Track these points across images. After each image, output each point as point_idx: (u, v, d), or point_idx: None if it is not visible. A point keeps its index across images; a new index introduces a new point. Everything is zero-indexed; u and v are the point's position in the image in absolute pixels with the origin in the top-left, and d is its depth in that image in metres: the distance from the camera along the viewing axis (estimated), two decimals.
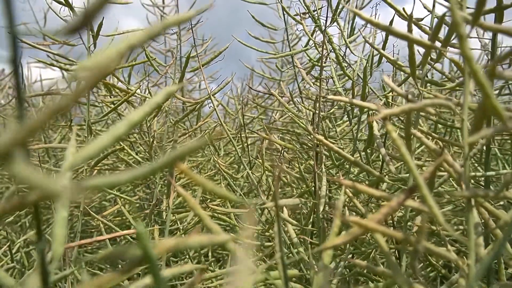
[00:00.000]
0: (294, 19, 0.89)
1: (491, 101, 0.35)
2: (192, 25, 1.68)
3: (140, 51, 1.08)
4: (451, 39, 0.45)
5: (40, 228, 0.21)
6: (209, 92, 0.96)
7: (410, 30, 0.51)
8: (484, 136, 0.37)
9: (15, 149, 0.14)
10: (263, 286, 0.51)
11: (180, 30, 1.76)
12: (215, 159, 0.93)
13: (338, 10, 0.86)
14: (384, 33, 0.78)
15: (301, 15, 0.98)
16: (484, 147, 0.61)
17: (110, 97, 0.92)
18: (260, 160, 0.80)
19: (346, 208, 0.62)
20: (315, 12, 0.93)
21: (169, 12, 1.72)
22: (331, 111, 0.84)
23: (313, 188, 0.73)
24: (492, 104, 0.35)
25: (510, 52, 0.41)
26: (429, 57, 0.59)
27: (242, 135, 1.02)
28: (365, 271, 0.60)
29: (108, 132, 0.18)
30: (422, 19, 0.63)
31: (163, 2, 1.77)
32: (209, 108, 1.28)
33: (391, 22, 0.67)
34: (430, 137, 0.49)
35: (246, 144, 0.96)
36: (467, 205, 0.41)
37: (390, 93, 0.78)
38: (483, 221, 0.41)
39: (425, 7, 0.66)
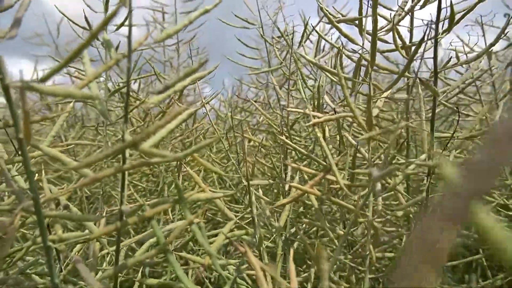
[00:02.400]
0: (268, 42, 1.13)
1: (370, 114, 0.60)
2: (190, 39, 1.92)
3: (143, 63, 1.31)
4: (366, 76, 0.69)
5: None
6: (203, 99, 1.20)
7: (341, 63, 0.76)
8: (370, 136, 0.61)
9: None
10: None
11: (179, 42, 1.99)
12: (210, 154, 1.17)
13: (305, 37, 1.10)
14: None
15: (276, 38, 1.22)
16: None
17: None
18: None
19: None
20: (288, 36, 1.17)
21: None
22: (298, 117, 1.08)
23: (283, 175, 0.96)
24: (369, 116, 0.59)
25: (396, 81, 0.65)
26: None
27: (230, 135, 1.25)
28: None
29: (162, 130, 0.41)
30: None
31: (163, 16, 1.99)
32: (203, 113, 1.51)
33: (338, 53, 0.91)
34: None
35: (234, 143, 1.20)
36: (369, 181, 0.65)
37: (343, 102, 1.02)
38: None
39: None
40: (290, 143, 0.82)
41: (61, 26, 2.10)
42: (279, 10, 1.24)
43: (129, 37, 0.39)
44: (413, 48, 0.63)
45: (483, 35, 1.00)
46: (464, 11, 0.62)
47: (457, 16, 0.67)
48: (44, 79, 0.31)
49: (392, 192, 0.76)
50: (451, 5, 0.58)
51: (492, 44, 0.60)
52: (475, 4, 0.62)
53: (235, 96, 1.91)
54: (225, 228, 0.58)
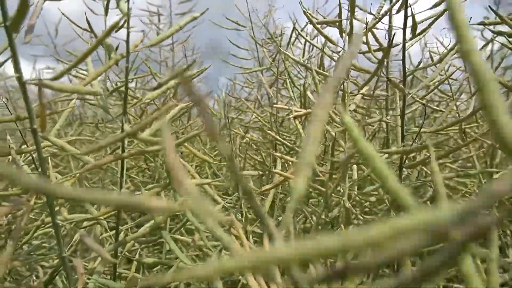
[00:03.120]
0: (259, 44, 1.20)
1: (344, 108, 0.66)
2: (185, 40, 1.98)
3: (140, 63, 1.37)
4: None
5: None
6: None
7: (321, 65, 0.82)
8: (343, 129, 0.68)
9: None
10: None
11: (173, 43, 2.05)
12: (204, 150, 1.23)
13: (293, 39, 1.17)
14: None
15: (266, 40, 1.28)
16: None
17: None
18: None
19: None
20: (277, 38, 1.23)
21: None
22: (287, 114, 1.14)
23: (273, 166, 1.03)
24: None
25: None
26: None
27: (224, 132, 1.32)
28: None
29: (157, 122, 0.48)
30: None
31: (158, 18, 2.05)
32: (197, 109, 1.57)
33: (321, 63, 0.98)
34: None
35: (228, 140, 1.26)
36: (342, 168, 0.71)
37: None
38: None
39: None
40: (278, 137, 0.88)
41: (56, 25, 2.16)
42: (268, 14, 1.31)
43: (127, 41, 0.45)
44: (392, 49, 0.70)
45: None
46: (432, 19, 0.69)
47: (431, 19, 0.73)
48: (57, 78, 0.37)
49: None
50: (413, 15, 0.65)
51: (452, 48, 0.67)
52: (442, 12, 0.69)
53: (229, 95, 1.97)
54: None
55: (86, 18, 1.04)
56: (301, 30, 1.28)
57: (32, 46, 2.23)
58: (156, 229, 0.50)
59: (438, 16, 0.68)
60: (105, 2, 0.99)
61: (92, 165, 0.49)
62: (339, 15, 0.81)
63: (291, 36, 1.17)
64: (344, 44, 0.85)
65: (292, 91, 1.16)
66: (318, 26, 0.82)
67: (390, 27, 0.93)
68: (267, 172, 1.02)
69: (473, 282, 0.23)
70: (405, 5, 0.71)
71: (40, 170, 0.47)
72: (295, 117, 0.69)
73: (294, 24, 1.04)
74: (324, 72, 0.83)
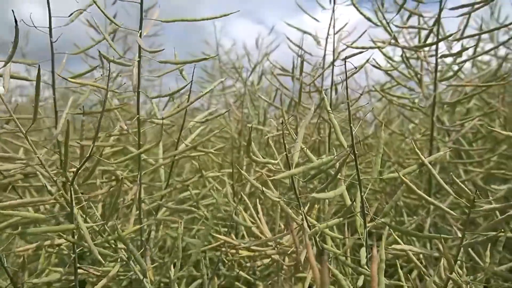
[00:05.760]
0: (226, 73, 1.60)
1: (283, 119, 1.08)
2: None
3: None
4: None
5: None
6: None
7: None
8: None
9: None
10: None
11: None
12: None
13: (253, 72, 1.59)
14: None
15: (227, 68, 1.68)
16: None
17: None
18: None
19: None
20: (239, 69, 1.64)
21: None
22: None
23: None
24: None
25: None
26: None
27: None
28: None
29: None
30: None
31: None
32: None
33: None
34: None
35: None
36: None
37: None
38: None
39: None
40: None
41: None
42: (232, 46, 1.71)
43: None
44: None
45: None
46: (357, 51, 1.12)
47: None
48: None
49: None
50: (333, 51, 1.08)
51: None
52: (369, 49, 1.14)
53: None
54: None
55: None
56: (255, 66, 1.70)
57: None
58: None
59: (361, 51, 1.13)
60: None
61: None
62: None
63: (253, 70, 1.59)
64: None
65: (252, 110, 1.57)
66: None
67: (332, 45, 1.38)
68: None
69: None
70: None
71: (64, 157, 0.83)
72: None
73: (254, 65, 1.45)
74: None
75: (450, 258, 0.64)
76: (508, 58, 1.48)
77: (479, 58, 1.57)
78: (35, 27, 0.82)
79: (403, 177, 0.69)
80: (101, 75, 0.97)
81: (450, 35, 1.03)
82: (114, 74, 1.30)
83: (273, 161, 0.75)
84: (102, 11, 0.83)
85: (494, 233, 0.64)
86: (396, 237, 0.78)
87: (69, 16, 0.83)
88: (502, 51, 1.83)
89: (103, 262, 0.70)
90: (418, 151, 0.74)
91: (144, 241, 0.93)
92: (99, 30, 0.91)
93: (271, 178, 0.71)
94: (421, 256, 0.83)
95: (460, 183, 0.65)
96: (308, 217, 0.79)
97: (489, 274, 0.66)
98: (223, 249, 0.95)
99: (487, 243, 0.66)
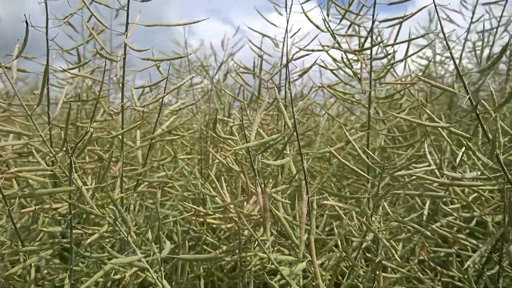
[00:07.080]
0: (193, 70, 1.78)
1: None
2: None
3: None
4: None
5: None
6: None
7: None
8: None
9: None
10: None
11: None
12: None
13: (219, 69, 1.77)
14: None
15: (195, 66, 1.86)
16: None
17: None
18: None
19: None
20: (206, 67, 1.83)
21: None
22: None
23: None
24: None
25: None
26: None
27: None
28: None
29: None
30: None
31: None
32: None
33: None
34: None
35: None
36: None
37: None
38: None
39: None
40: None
41: None
42: (200, 46, 1.89)
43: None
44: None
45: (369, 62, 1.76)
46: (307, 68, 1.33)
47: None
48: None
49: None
50: (287, 63, 1.29)
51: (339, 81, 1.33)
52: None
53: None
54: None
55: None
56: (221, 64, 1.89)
57: None
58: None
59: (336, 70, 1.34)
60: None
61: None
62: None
63: (219, 68, 1.77)
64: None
65: (219, 104, 1.76)
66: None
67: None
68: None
69: None
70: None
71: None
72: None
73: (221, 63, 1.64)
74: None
75: (366, 211, 0.86)
76: (437, 60, 1.77)
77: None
78: (34, 27, 0.97)
79: (333, 151, 0.90)
80: (97, 67, 1.14)
81: (381, 42, 1.26)
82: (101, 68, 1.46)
83: (233, 137, 0.94)
84: (92, 14, 1.00)
85: (398, 191, 0.87)
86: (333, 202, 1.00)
87: (64, 18, 0.99)
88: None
89: (100, 214, 0.87)
90: (347, 133, 0.96)
91: (127, 209, 1.11)
92: (76, 29, 1.08)
93: (232, 149, 0.90)
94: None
95: (374, 156, 0.88)
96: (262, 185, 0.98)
97: (394, 222, 0.89)
98: (193, 218, 1.14)
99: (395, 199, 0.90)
